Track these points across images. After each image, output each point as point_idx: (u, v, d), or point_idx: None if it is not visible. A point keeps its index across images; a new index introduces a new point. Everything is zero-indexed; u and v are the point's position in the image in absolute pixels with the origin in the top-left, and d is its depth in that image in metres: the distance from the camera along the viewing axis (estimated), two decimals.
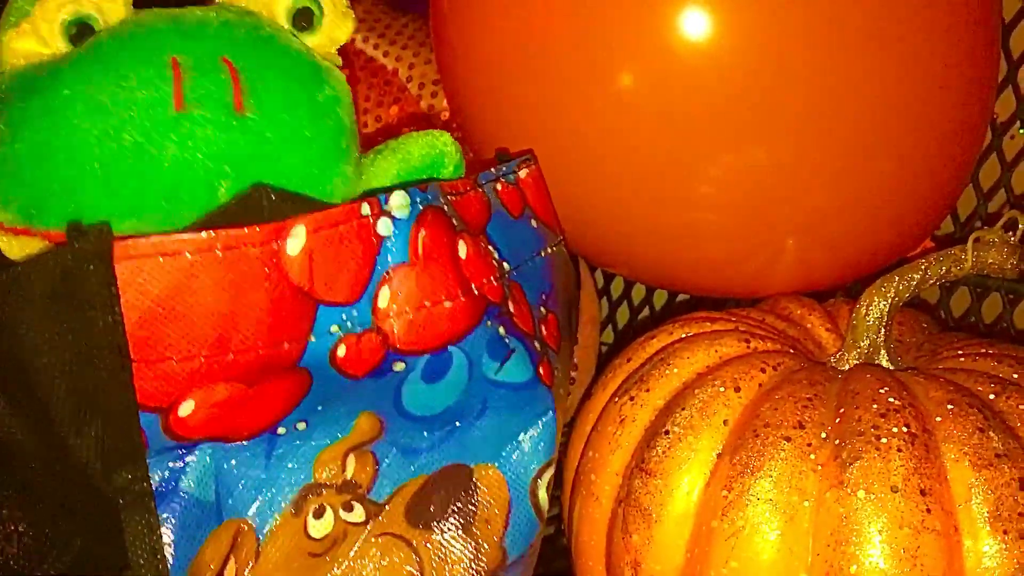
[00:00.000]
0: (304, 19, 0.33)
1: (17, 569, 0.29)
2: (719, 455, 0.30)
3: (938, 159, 0.38)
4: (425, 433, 0.32)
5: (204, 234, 0.27)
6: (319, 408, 0.30)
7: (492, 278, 0.32)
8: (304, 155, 0.31)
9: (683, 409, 0.31)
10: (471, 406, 0.32)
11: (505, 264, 0.34)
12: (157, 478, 0.28)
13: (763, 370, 0.32)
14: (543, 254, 0.37)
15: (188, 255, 0.27)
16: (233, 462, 0.29)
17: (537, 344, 0.34)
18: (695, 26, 0.34)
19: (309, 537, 0.30)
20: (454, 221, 0.32)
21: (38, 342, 0.26)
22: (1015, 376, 0.31)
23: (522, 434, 0.32)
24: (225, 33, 0.30)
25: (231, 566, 0.29)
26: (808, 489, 0.28)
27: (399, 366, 0.31)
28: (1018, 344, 0.34)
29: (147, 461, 0.27)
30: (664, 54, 0.34)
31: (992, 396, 0.30)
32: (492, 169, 0.35)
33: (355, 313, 0.29)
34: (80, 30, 0.30)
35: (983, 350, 0.33)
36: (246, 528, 0.30)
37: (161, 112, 0.29)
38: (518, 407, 0.32)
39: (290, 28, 0.32)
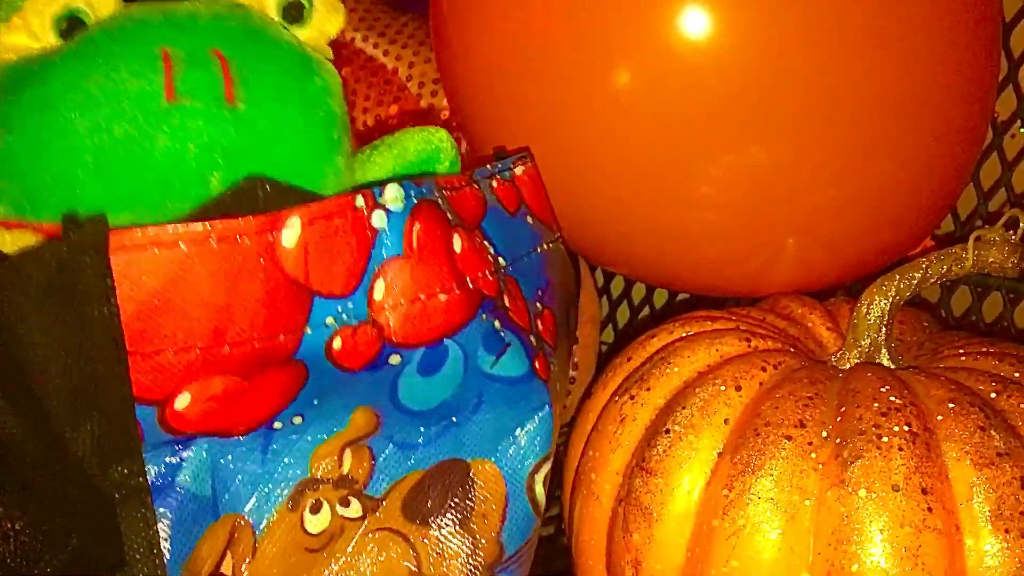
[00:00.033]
0: (294, 12, 0.33)
1: (14, 567, 0.29)
2: (720, 454, 0.30)
3: (938, 158, 0.38)
4: (421, 428, 0.32)
5: (199, 225, 0.27)
6: (315, 402, 0.30)
7: (487, 272, 0.32)
8: (295, 146, 0.31)
9: (684, 408, 0.31)
10: (467, 400, 0.32)
11: (501, 259, 0.34)
12: (154, 473, 0.28)
13: (764, 369, 0.32)
14: (539, 250, 0.36)
15: (183, 246, 0.27)
16: (230, 457, 0.29)
17: (533, 339, 0.34)
18: (694, 25, 0.34)
19: (306, 532, 0.30)
20: (449, 215, 0.32)
21: (33, 336, 0.26)
22: (1016, 375, 0.31)
23: (518, 429, 0.32)
24: (215, 25, 0.31)
25: (228, 561, 0.29)
26: (809, 488, 0.28)
27: (395, 359, 0.31)
28: (1019, 343, 0.34)
29: (143, 455, 0.27)
30: (663, 53, 0.34)
31: (993, 395, 0.30)
32: (488, 166, 0.35)
33: (350, 305, 0.29)
34: (70, 24, 0.30)
35: (984, 349, 0.33)
36: (243, 523, 0.30)
37: (152, 103, 0.29)
38: (514, 401, 0.32)
39: (280, 21, 0.33)
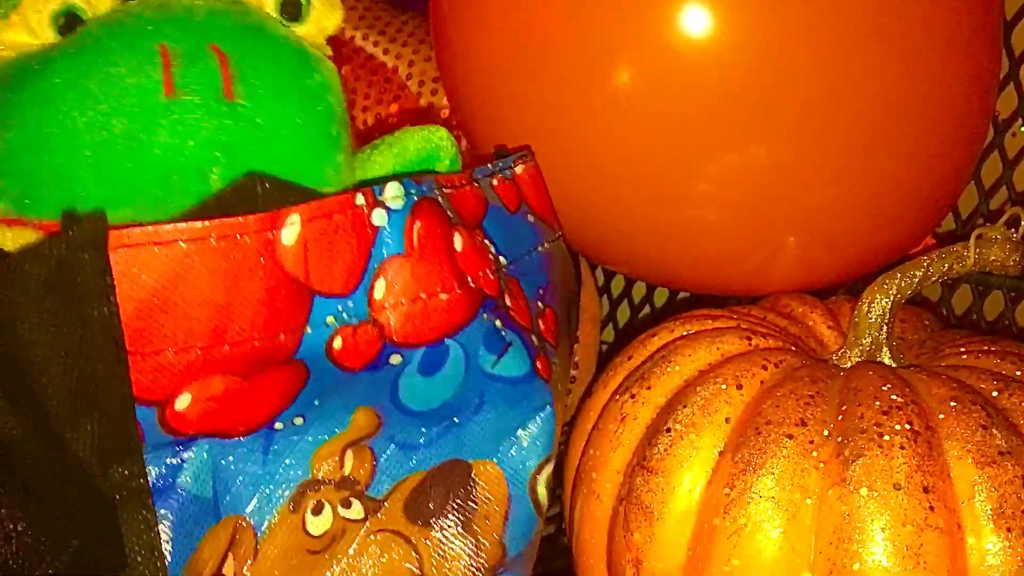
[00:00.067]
0: (292, 9, 0.33)
1: (16, 568, 0.29)
2: (721, 453, 0.30)
3: (939, 156, 0.38)
4: (423, 428, 0.32)
5: (199, 223, 0.27)
6: (316, 403, 0.30)
7: (488, 271, 0.32)
8: (295, 141, 0.31)
9: (685, 406, 0.31)
10: (468, 400, 0.32)
11: (502, 258, 0.34)
12: (154, 474, 0.28)
13: (765, 367, 0.32)
14: (540, 249, 0.36)
15: (183, 244, 0.26)
16: (231, 458, 0.29)
17: (534, 338, 0.34)
18: (695, 24, 0.34)
19: (308, 534, 0.30)
20: (449, 214, 0.31)
21: (33, 334, 0.26)
22: (1018, 373, 0.31)
23: (520, 429, 0.32)
24: (213, 21, 0.30)
25: (229, 563, 0.29)
26: (810, 487, 0.28)
27: (396, 359, 0.30)
28: (1020, 341, 0.34)
29: (144, 456, 0.27)
30: (664, 52, 0.34)
31: (995, 393, 0.30)
32: (489, 164, 0.35)
33: (351, 304, 0.29)
34: (69, 20, 0.30)
35: (985, 347, 0.33)
36: (244, 525, 0.29)
37: (151, 99, 0.29)
38: (516, 401, 0.32)
39: (279, 17, 0.33)
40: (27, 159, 0.29)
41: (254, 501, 0.30)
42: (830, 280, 0.41)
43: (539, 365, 0.33)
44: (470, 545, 0.31)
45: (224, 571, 0.29)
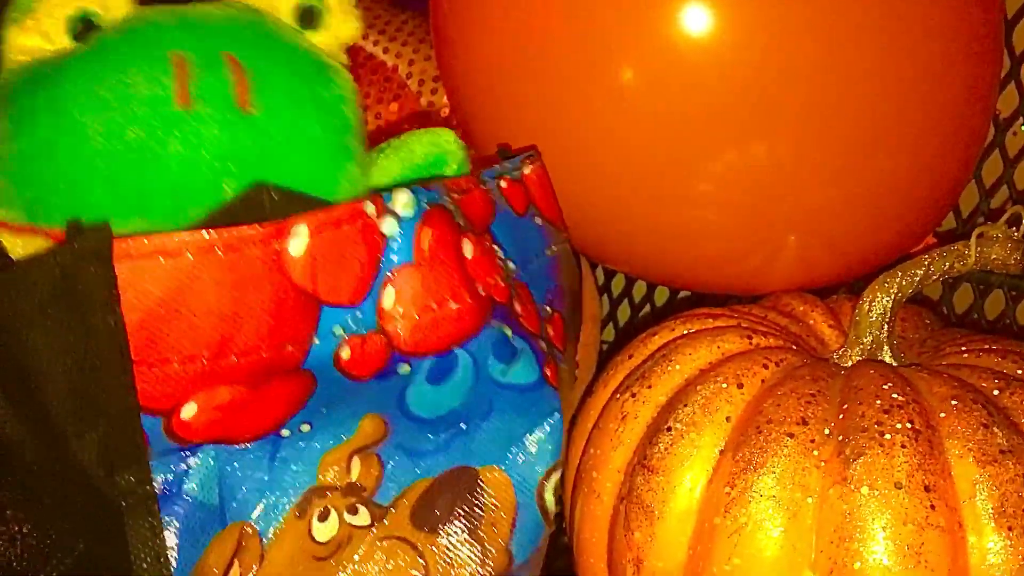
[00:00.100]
0: (309, 17, 0.32)
1: (20, 571, 0.29)
2: (722, 451, 0.30)
3: (940, 155, 0.38)
4: (430, 435, 0.32)
5: (205, 234, 0.27)
6: (323, 410, 0.30)
7: (498, 278, 0.32)
8: (310, 154, 0.30)
9: (685, 405, 0.31)
10: (477, 408, 0.32)
11: (511, 263, 0.34)
12: (160, 481, 0.28)
13: (766, 366, 0.32)
14: (548, 252, 0.36)
15: (189, 255, 0.26)
16: (236, 465, 0.29)
17: (543, 344, 0.34)
18: (695, 23, 0.34)
19: (314, 540, 0.30)
20: (459, 221, 0.31)
21: (38, 343, 0.26)
22: (1019, 372, 0.31)
23: (528, 436, 0.32)
24: (230, 30, 0.30)
25: (235, 570, 0.29)
26: (811, 485, 0.28)
27: (404, 368, 0.30)
28: (1021, 340, 0.34)
29: (150, 464, 0.27)
30: (664, 51, 0.34)
31: (996, 392, 0.30)
32: (496, 166, 0.35)
33: (359, 315, 0.29)
34: (84, 26, 0.30)
35: (986, 346, 0.33)
36: (250, 531, 0.29)
37: (165, 109, 0.28)
38: (524, 409, 0.32)
39: (295, 26, 0.32)
40: (38, 167, 0.29)
41: (260, 507, 0.29)
42: (831, 279, 0.41)
43: (548, 372, 0.33)
44: (476, 552, 0.31)
45: None
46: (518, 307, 0.33)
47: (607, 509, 0.32)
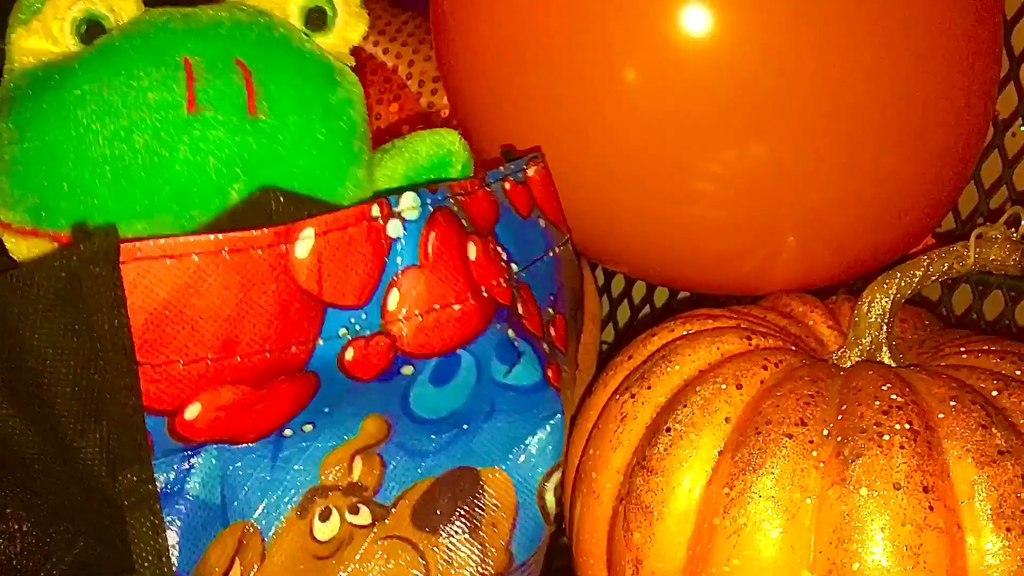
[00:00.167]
0: (317, 19, 0.32)
1: (20, 569, 0.29)
2: (721, 452, 0.30)
3: (940, 156, 0.38)
4: (432, 436, 0.32)
5: (211, 236, 0.27)
6: (326, 410, 0.30)
7: (501, 280, 0.32)
8: (316, 158, 0.30)
9: (685, 406, 0.31)
10: (479, 409, 0.32)
11: (514, 265, 0.34)
12: (163, 480, 0.28)
13: (765, 367, 0.32)
14: (551, 254, 0.36)
15: (195, 257, 0.27)
16: (239, 464, 0.29)
17: (545, 346, 0.34)
18: (696, 23, 0.34)
19: (315, 539, 0.30)
20: (463, 223, 0.31)
21: (43, 344, 0.26)
22: (1017, 373, 0.31)
23: (530, 437, 0.32)
24: (238, 33, 0.30)
25: (236, 568, 0.29)
26: (810, 486, 0.28)
27: (407, 369, 0.30)
28: (1020, 341, 0.34)
29: (152, 463, 0.27)
30: (665, 51, 0.34)
31: (995, 393, 0.30)
32: (500, 167, 0.35)
33: (364, 316, 0.29)
34: (91, 28, 0.30)
35: (985, 347, 0.33)
36: (252, 530, 0.29)
37: (173, 114, 0.28)
38: (526, 410, 0.32)
39: (303, 28, 0.32)
40: (45, 170, 0.28)
41: (262, 507, 0.30)
42: (830, 280, 0.41)
43: (550, 373, 0.33)
44: (477, 552, 0.31)
45: None
46: (521, 309, 0.33)
47: (606, 510, 0.32)
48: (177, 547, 0.28)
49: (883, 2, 0.34)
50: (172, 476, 0.28)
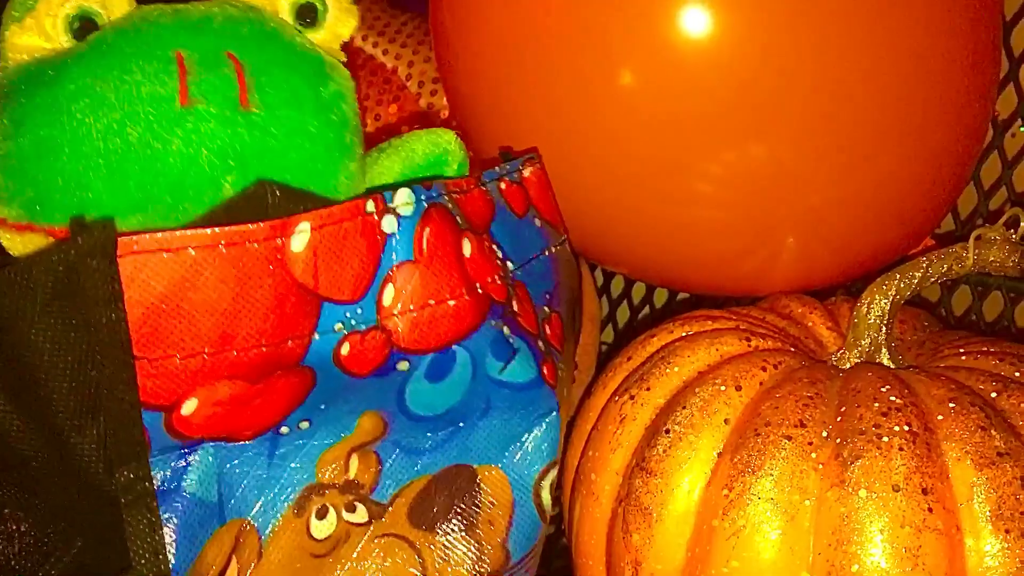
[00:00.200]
0: (308, 15, 0.33)
1: (18, 569, 0.29)
2: (720, 454, 0.30)
3: (939, 157, 0.38)
4: (428, 433, 0.32)
5: (208, 230, 0.27)
6: (322, 407, 0.30)
7: (496, 277, 0.32)
8: (309, 150, 0.31)
9: (684, 408, 0.31)
10: (474, 406, 0.32)
11: (509, 263, 0.34)
12: (159, 477, 0.28)
13: (764, 368, 0.32)
14: (547, 253, 0.36)
15: (192, 251, 0.27)
16: (236, 461, 0.29)
17: (541, 344, 0.34)
18: (696, 23, 0.34)
19: (312, 537, 0.30)
20: (458, 219, 0.31)
21: (40, 339, 0.26)
22: (1016, 374, 0.31)
23: (526, 435, 0.32)
24: (229, 28, 0.30)
25: (233, 566, 0.29)
26: (809, 488, 0.28)
27: (403, 365, 0.30)
28: (1020, 342, 0.34)
29: (149, 460, 0.27)
30: (664, 52, 0.34)
31: (994, 394, 0.30)
32: (496, 168, 0.35)
33: (359, 311, 0.29)
34: (83, 25, 0.30)
35: (984, 348, 0.33)
36: (248, 528, 0.29)
37: (166, 107, 0.29)
38: (522, 407, 0.32)
39: (294, 23, 0.32)
40: (39, 165, 0.29)
41: (259, 504, 0.30)
42: (829, 280, 0.41)
43: (545, 371, 0.33)
44: (473, 549, 0.31)
45: (228, 574, 0.29)
46: (516, 306, 0.33)
47: (605, 511, 0.32)
48: (174, 545, 0.28)
49: (883, 3, 0.34)
50: (169, 474, 0.28)
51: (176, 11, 0.30)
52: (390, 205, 0.29)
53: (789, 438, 0.29)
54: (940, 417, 0.29)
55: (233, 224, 0.27)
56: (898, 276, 0.33)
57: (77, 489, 0.28)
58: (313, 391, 0.29)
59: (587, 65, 0.36)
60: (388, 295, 0.29)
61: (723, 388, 0.31)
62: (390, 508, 0.31)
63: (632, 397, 0.33)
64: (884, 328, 0.33)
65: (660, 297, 0.56)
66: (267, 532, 0.30)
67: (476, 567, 0.31)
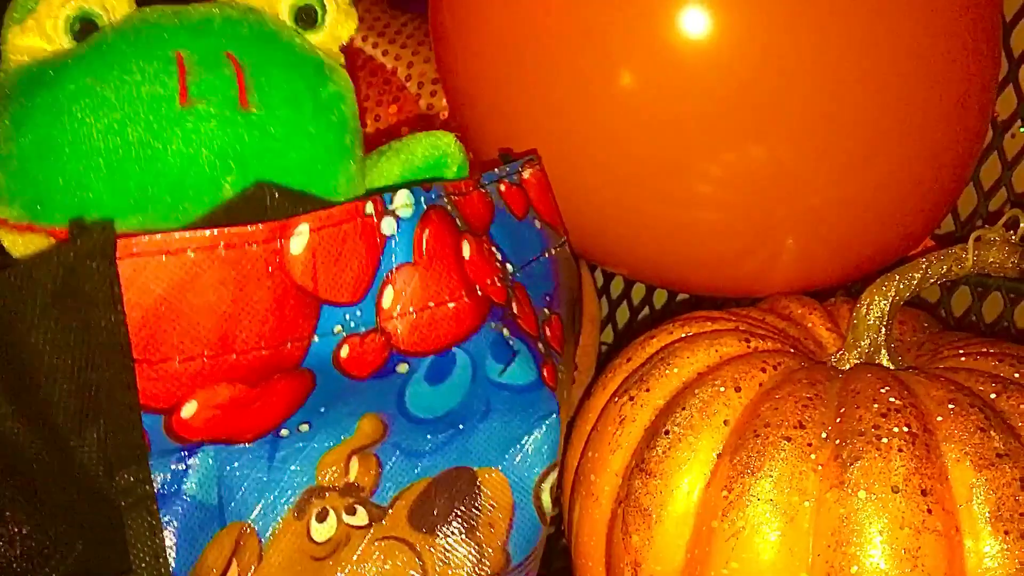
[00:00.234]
0: (307, 17, 0.33)
1: (19, 571, 0.29)
2: (719, 455, 0.30)
3: (939, 157, 0.38)
4: (428, 436, 0.32)
5: (207, 232, 0.27)
6: (322, 410, 0.30)
7: (496, 279, 0.32)
8: (308, 151, 0.31)
9: (683, 409, 0.31)
10: (474, 408, 0.32)
11: (509, 265, 0.34)
12: (159, 480, 0.28)
13: (763, 370, 0.32)
14: (547, 255, 0.36)
15: (191, 253, 0.27)
16: (236, 464, 0.29)
17: (541, 346, 0.34)
18: (695, 25, 0.34)
19: (312, 540, 0.30)
20: (458, 222, 0.31)
21: (40, 341, 0.26)
22: (1016, 375, 0.31)
23: (526, 437, 0.32)
24: (229, 29, 0.30)
25: (234, 569, 0.29)
26: (809, 489, 0.28)
27: (403, 367, 0.30)
28: (1019, 343, 0.34)
29: (149, 463, 0.27)
30: (664, 53, 0.34)
31: (993, 395, 0.30)
32: (496, 169, 0.35)
33: (359, 313, 0.29)
34: (84, 26, 0.30)
35: (984, 349, 0.33)
36: (249, 531, 0.29)
37: (166, 107, 0.29)
38: (521, 409, 0.32)
39: (293, 25, 0.32)
40: (40, 165, 0.29)
41: (259, 507, 0.30)
42: (829, 281, 0.41)
43: (545, 373, 0.33)
44: (474, 552, 0.31)
45: None
46: (516, 308, 0.33)
47: (605, 513, 0.32)
48: (174, 548, 0.28)
49: (883, 3, 0.34)
50: (169, 476, 0.28)
51: (176, 12, 0.30)
52: (389, 207, 0.29)
53: (788, 439, 0.29)
54: (939, 418, 0.29)
55: (232, 226, 0.27)
56: (897, 277, 0.33)
57: (77, 492, 0.28)
58: (313, 394, 0.29)
59: (587, 66, 0.36)
60: (387, 297, 0.29)
61: (722, 389, 0.31)
62: (390, 511, 0.31)
63: (631, 398, 0.33)
64: (883, 329, 0.33)
65: (660, 298, 0.56)
66: (267, 535, 0.30)
67: (476, 570, 0.31)
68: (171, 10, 0.31)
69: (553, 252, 0.37)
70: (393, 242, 0.29)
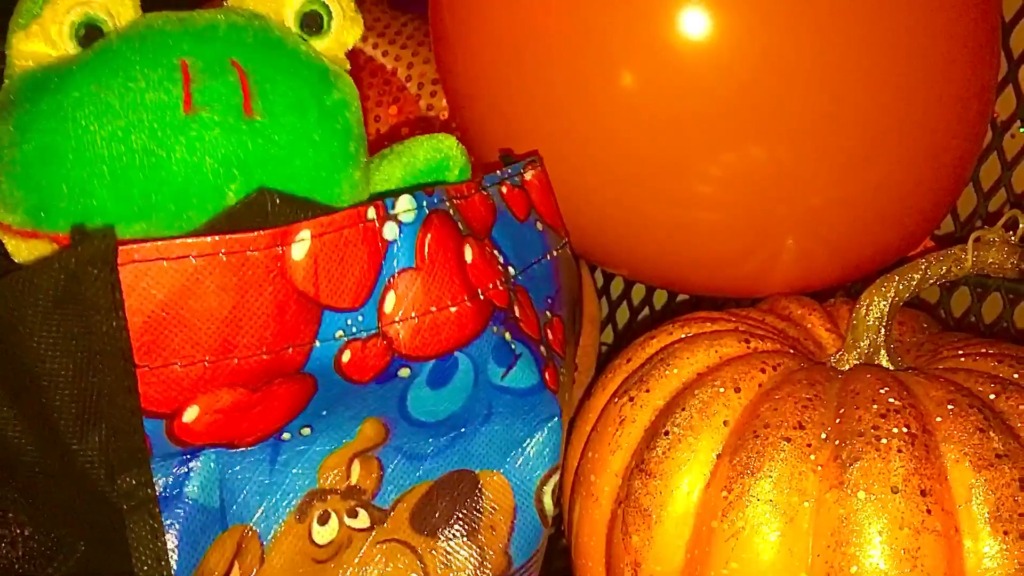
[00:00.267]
0: (312, 23, 0.33)
1: (22, 572, 0.29)
2: (719, 456, 0.30)
3: (938, 158, 0.38)
4: (430, 439, 0.32)
5: (208, 238, 0.27)
6: (324, 413, 0.30)
7: (498, 282, 0.32)
8: (312, 159, 0.30)
9: (683, 410, 0.31)
10: (476, 412, 0.32)
11: (511, 268, 0.34)
12: (161, 483, 0.28)
13: (763, 370, 0.32)
14: (549, 257, 0.36)
15: (193, 259, 0.27)
16: (238, 467, 0.29)
17: (543, 349, 0.34)
18: (695, 25, 0.34)
19: (313, 543, 0.30)
20: (460, 226, 0.31)
21: (42, 347, 0.26)
22: (1015, 376, 0.31)
23: (527, 440, 0.32)
24: (234, 36, 0.30)
25: (236, 572, 0.29)
26: (808, 490, 0.28)
27: (404, 372, 0.30)
28: (1018, 344, 0.34)
29: (151, 466, 0.27)
30: (664, 53, 0.34)
31: (992, 396, 0.30)
32: (497, 172, 0.35)
33: (360, 318, 0.29)
34: (89, 32, 0.30)
35: (983, 350, 0.33)
36: (251, 534, 0.30)
37: (170, 114, 0.29)
38: (523, 413, 0.32)
39: (298, 32, 0.32)
40: (43, 172, 0.29)
41: (261, 510, 0.30)
42: (829, 282, 0.42)
43: (547, 376, 0.33)
44: (475, 555, 0.31)
45: None
46: (518, 311, 0.33)
47: (605, 513, 0.32)
48: (176, 551, 0.28)
49: (882, 4, 0.34)
50: (171, 480, 0.28)
51: (181, 19, 0.30)
52: (391, 212, 0.29)
53: (788, 440, 0.29)
54: (939, 419, 0.29)
55: (234, 232, 0.27)
56: (897, 278, 0.33)
57: (79, 494, 0.28)
58: (314, 398, 0.29)
59: (587, 66, 0.36)
60: (389, 302, 0.29)
61: (722, 390, 0.31)
62: (392, 513, 0.31)
63: (631, 399, 0.33)
64: (883, 330, 0.33)
65: (660, 298, 0.56)
66: (269, 537, 0.30)
67: (478, 572, 0.31)
68: (176, 16, 0.30)
69: (555, 254, 0.37)
70: (395, 247, 0.29)
